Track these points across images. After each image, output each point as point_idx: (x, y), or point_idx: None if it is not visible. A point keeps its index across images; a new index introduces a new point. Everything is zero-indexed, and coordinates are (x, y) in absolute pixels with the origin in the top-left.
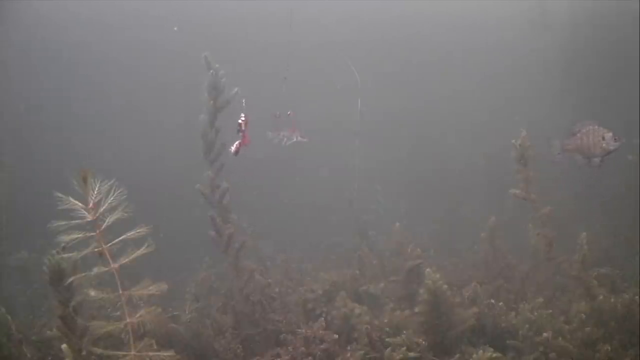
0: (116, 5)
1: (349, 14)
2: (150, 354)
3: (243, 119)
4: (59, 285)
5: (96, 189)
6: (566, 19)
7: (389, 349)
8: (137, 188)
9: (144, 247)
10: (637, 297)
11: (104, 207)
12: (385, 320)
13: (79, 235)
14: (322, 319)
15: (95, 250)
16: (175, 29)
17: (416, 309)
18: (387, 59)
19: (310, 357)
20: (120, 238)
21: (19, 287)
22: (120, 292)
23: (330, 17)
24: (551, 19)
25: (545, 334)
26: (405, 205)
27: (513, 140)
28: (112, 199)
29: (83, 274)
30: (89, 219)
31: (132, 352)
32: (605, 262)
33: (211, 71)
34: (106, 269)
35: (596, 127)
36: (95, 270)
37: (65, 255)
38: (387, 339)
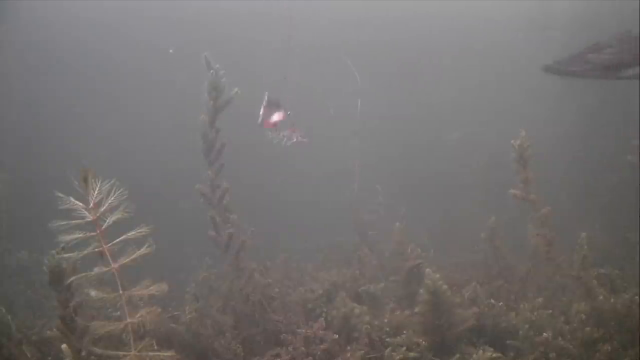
0: (116, 5)
1: (350, 15)
2: (151, 354)
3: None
4: (59, 286)
5: (97, 188)
6: (566, 19)
7: (389, 349)
8: (138, 188)
9: (144, 247)
10: (637, 297)
11: (104, 207)
12: (385, 320)
13: (80, 235)
14: (322, 319)
15: (96, 250)
16: (171, 50)
17: (416, 309)
18: (387, 59)
19: (310, 357)
20: (121, 238)
21: (19, 287)
22: (121, 292)
23: (331, 18)
24: (551, 20)
25: (545, 334)
26: (406, 205)
27: (512, 141)
28: (112, 198)
29: (83, 274)
30: (89, 219)
31: (133, 352)
32: (605, 262)
33: (211, 71)
34: (107, 269)
35: None
36: (96, 270)
37: (65, 256)
38: (387, 339)
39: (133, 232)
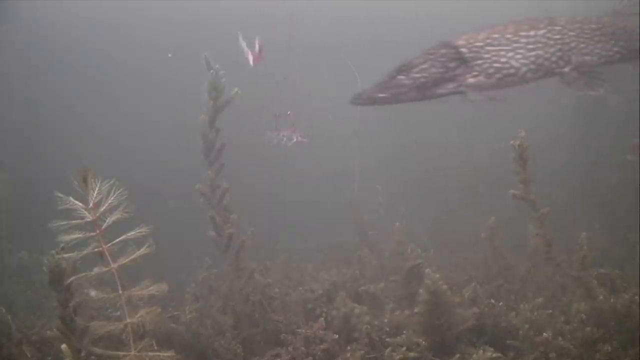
0: (116, 5)
1: (350, 15)
2: (150, 354)
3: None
4: (58, 286)
5: (96, 188)
6: None
7: (389, 349)
8: (137, 188)
9: (144, 247)
10: (637, 297)
11: (104, 207)
12: (385, 320)
13: (79, 235)
14: (322, 319)
15: (96, 250)
16: (170, 55)
17: (416, 309)
18: (387, 59)
19: (310, 357)
20: (121, 238)
21: (19, 287)
22: (120, 292)
23: (332, 18)
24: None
25: (545, 334)
26: (405, 205)
27: (512, 141)
28: (112, 198)
29: (83, 274)
30: (89, 219)
31: (132, 352)
32: (605, 262)
33: (211, 71)
34: (106, 269)
35: None
36: (96, 270)
37: (65, 256)
38: (387, 339)
39: (133, 232)
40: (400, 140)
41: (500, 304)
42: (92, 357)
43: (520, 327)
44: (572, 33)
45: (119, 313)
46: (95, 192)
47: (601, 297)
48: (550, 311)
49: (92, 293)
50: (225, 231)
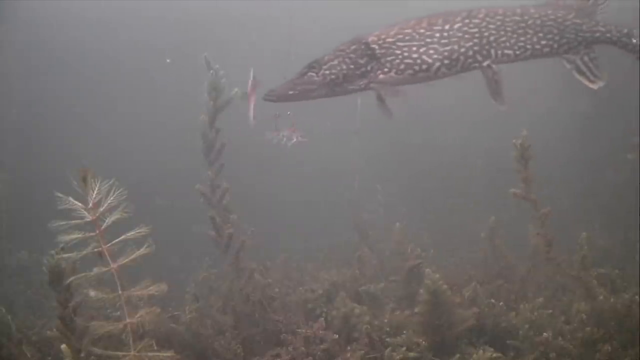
0: (116, 5)
1: (349, 15)
2: (150, 354)
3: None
4: (58, 286)
5: (96, 188)
6: None
7: (389, 349)
8: (137, 188)
9: (143, 247)
10: (637, 297)
11: (103, 207)
12: (385, 320)
13: (79, 235)
14: (322, 319)
15: (95, 250)
16: (168, 60)
17: (416, 309)
18: None
19: (310, 357)
20: (120, 238)
21: (19, 287)
22: (120, 292)
23: (331, 18)
24: None
25: (545, 334)
26: (406, 204)
27: (514, 140)
28: (112, 198)
29: (83, 274)
30: (88, 219)
31: (132, 353)
32: (605, 262)
33: (211, 71)
34: (106, 269)
35: None
36: (95, 270)
37: (64, 256)
38: (387, 339)
39: (132, 232)
40: (400, 140)
41: (501, 303)
42: (92, 357)
43: (520, 327)
44: (491, 26)
45: (118, 313)
46: (95, 192)
47: (601, 297)
48: (551, 311)
49: (92, 293)
50: (225, 231)
